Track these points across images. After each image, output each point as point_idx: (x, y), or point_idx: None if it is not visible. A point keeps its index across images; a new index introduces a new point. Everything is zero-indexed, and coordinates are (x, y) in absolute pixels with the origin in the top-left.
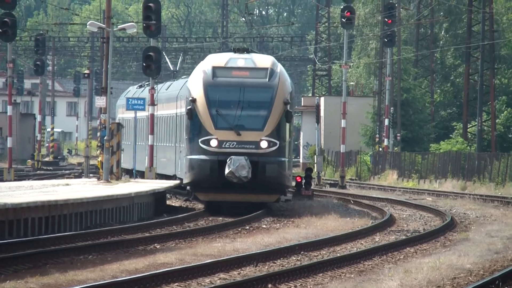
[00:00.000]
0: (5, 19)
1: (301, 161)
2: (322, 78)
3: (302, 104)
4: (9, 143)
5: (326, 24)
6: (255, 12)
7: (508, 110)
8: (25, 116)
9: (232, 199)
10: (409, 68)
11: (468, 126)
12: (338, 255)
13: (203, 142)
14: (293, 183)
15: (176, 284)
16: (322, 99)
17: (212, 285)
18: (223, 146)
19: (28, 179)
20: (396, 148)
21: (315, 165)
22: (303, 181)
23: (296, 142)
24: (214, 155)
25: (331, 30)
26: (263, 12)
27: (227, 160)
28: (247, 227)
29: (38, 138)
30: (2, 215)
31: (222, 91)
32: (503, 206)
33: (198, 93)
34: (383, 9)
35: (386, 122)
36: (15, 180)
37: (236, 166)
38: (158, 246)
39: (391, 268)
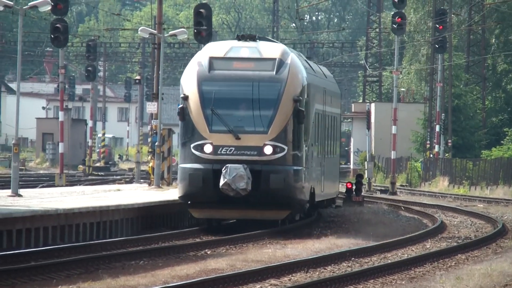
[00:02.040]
0: (57, 25)
1: (351, 167)
2: (372, 84)
3: (353, 110)
4: (60, 149)
5: (377, 30)
6: (305, 18)
7: None
8: (76, 122)
9: (232, 216)
10: (460, 74)
11: None
12: (389, 261)
13: (195, 147)
14: (343, 190)
15: None
16: (373, 105)
17: None
18: (219, 152)
19: (80, 185)
20: (447, 155)
21: (366, 171)
22: (354, 187)
23: (346, 148)
24: (208, 163)
25: (382, 36)
26: (314, 18)
27: (223, 169)
28: (298, 234)
29: (89, 144)
30: (54, 221)
31: (220, 86)
32: None
33: (191, 89)
34: (434, 15)
35: (437, 128)
36: (66, 185)
37: (233, 177)
38: (209, 252)
39: (442, 275)
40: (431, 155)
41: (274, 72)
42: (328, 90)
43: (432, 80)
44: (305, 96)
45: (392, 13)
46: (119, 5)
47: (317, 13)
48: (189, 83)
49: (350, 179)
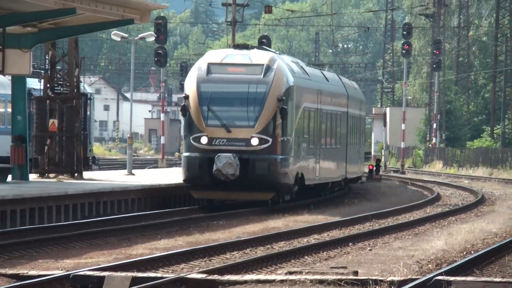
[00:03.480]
0: (159, 51)
1: (372, 153)
2: (388, 93)
3: (373, 113)
4: (162, 141)
5: (391, 54)
6: (339, 46)
7: None
8: (173, 121)
9: (225, 197)
10: (451, 86)
11: (494, 129)
12: (400, 222)
13: (194, 139)
14: (366, 170)
15: (283, 242)
16: (388, 109)
17: (308, 243)
18: (213, 143)
19: (176, 167)
20: (441, 145)
21: (383, 156)
22: (374, 168)
23: (368, 140)
24: (204, 152)
25: (394, 59)
26: (345, 45)
27: (215, 157)
28: (336, 202)
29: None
30: (158, 192)
31: (215, 87)
32: None
33: (191, 90)
34: (433, 43)
35: (434, 126)
36: (166, 167)
37: (223, 164)
38: (269, 216)
39: (438, 232)
40: (430, 145)
41: (262, 76)
42: (327, 91)
43: (431, 90)
44: (290, 96)
45: (402, 42)
46: (204, 36)
47: (347, 42)
48: (189, 85)
49: (371, 162)
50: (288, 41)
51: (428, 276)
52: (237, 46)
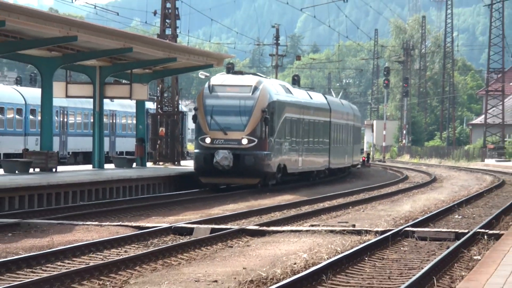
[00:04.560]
0: None
1: (364, 150)
2: (374, 111)
3: (365, 123)
4: None
5: (376, 86)
6: (343, 81)
7: (460, 127)
8: None
9: (224, 181)
10: (415, 107)
11: (442, 134)
12: (382, 193)
13: (201, 140)
14: (360, 160)
15: (307, 206)
16: (374, 121)
17: (323, 207)
18: (214, 143)
19: None
20: (408, 144)
21: (371, 151)
22: (366, 159)
23: (362, 141)
24: (208, 149)
25: (379, 89)
26: (347, 81)
27: (215, 153)
28: (340, 181)
29: None
30: None
31: (216, 102)
32: (458, 171)
33: (200, 104)
34: (403, 80)
35: (404, 132)
36: None
37: (220, 158)
38: (286, 190)
39: (406, 199)
40: (401, 144)
41: (250, 94)
42: (310, 106)
43: (402, 109)
44: (272, 108)
45: (383, 79)
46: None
47: (349, 79)
48: (198, 100)
49: (364, 155)
50: (311, 78)
51: (400, 228)
52: (234, 72)
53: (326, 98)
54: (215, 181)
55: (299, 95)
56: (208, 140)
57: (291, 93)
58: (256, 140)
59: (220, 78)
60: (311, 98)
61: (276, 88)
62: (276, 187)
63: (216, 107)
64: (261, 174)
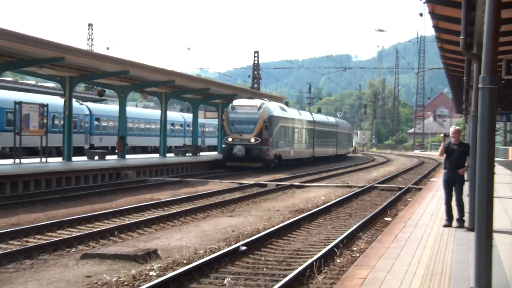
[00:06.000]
0: None
1: (353, 145)
2: (359, 126)
3: (354, 132)
4: None
5: (359, 114)
6: (342, 110)
7: (402, 134)
8: None
9: (240, 165)
10: (379, 124)
11: (393, 137)
12: (362, 167)
13: (225, 139)
14: (350, 150)
15: (324, 173)
16: (359, 131)
17: (332, 174)
18: (233, 141)
19: None
20: (375, 142)
21: (357, 146)
22: (354, 149)
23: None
24: (230, 145)
25: (361, 116)
26: (345, 110)
27: (234, 147)
28: (336, 161)
29: None
30: None
31: (235, 115)
32: (401, 157)
33: (226, 117)
34: (373, 110)
35: (373, 136)
36: None
37: (237, 150)
38: (280, 171)
39: (374, 170)
40: (371, 142)
41: (257, 110)
42: (298, 119)
43: (372, 125)
44: (270, 120)
45: (363, 110)
46: (298, 106)
47: (346, 109)
48: (225, 114)
49: (353, 147)
50: (327, 109)
51: (371, 184)
52: (248, 97)
53: (312, 114)
54: (235, 164)
55: (291, 112)
56: (230, 139)
57: (285, 111)
58: (260, 139)
59: (238, 101)
60: (300, 114)
61: (274, 107)
62: (274, 169)
63: (235, 119)
64: (263, 160)
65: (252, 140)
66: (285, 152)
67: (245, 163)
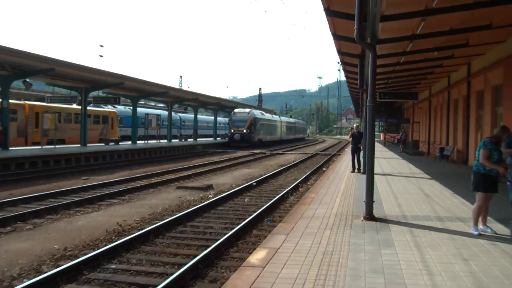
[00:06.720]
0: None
1: (307, 133)
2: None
3: (308, 126)
4: None
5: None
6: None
7: (331, 127)
8: None
9: (238, 145)
10: (319, 122)
11: (327, 129)
12: (313, 143)
13: (230, 130)
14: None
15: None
16: (310, 126)
17: (293, 148)
18: (234, 132)
19: None
20: (317, 132)
21: (309, 134)
22: (308, 135)
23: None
24: (232, 134)
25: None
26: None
27: (234, 135)
28: (296, 142)
29: None
30: None
31: (235, 117)
32: (331, 139)
33: (230, 118)
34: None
35: (316, 129)
36: None
37: (236, 136)
38: (260, 148)
39: (318, 145)
40: (316, 132)
41: (247, 114)
42: (271, 119)
43: (317, 123)
44: (255, 120)
45: (312, 116)
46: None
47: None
48: (230, 117)
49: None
50: (294, 116)
51: (316, 152)
52: (242, 107)
53: (280, 117)
54: (235, 145)
55: (268, 116)
56: (232, 131)
57: (264, 115)
58: (249, 130)
59: (237, 110)
60: (273, 117)
61: (257, 113)
62: (258, 147)
63: (235, 119)
64: (251, 142)
65: (244, 131)
66: (264, 137)
67: (240, 143)
